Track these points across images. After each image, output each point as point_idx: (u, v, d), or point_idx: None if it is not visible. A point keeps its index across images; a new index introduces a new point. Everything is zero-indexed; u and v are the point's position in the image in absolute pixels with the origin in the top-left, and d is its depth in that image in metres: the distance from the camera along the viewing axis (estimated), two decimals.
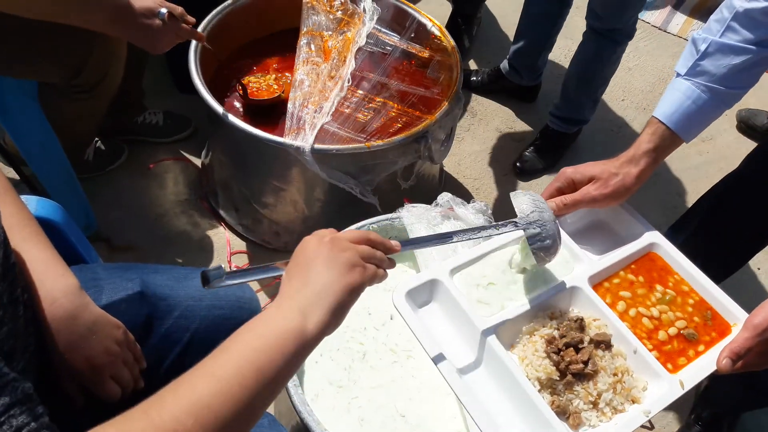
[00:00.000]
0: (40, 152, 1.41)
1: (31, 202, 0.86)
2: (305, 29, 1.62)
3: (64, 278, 0.73)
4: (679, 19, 2.68)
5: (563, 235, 0.94)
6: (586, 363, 0.80)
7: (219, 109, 1.38)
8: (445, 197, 1.24)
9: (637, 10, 1.67)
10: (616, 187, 0.90)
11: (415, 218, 1.21)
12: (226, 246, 1.64)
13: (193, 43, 1.46)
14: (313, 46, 1.62)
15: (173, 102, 1.90)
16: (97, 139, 1.70)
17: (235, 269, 0.59)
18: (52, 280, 0.72)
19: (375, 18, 1.66)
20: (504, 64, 2.07)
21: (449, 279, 0.89)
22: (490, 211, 1.18)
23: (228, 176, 1.63)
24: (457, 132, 1.98)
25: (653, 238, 0.96)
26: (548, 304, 0.89)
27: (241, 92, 1.52)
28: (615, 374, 0.82)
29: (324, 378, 1.02)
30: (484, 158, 1.98)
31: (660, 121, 0.91)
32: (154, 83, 1.88)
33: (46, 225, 0.84)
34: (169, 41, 1.17)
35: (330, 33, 1.65)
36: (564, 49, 2.34)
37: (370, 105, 1.56)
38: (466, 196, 1.84)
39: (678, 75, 0.93)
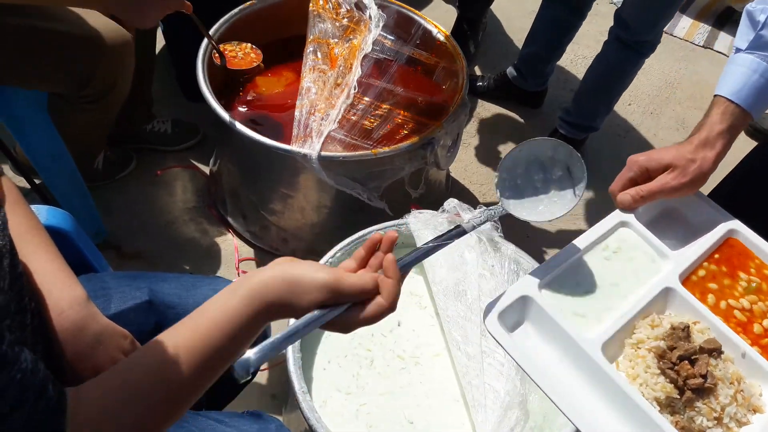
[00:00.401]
0: (50, 162, 1.42)
1: (42, 211, 0.87)
2: (312, 37, 1.63)
3: (71, 289, 0.74)
4: (686, 22, 2.67)
5: (644, 230, 0.88)
6: (704, 376, 0.74)
7: (226, 117, 1.38)
8: (451, 203, 1.24)
9: (667, 21, 1.66)
10: (695, 174, 0.84)
11: (421, 224, 1.22)
12: (234, 253, 1.65)
13: (201, 51, 1.47)
14: (319, 54, 1.63)
15: (181, 110, 1.91)
16: (106, 147, 1.72)
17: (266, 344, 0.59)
18: (60, 291, 0.73)
19: (381, 25, 1.67)
20: (510, 70, 2.07)
21: (539, 293, 0.81)
22: (497, 217, 1.17)
23: (236, 184, 1.64)
24: (463, 138, 1.99)
25: (731, 224, 0.91)
26: (645, 310, 0.83)
27: (218, 61, 1.47)
28: (732, 383, 0.77)
29: (332, 385, 1.02)
30: (490, 164, 1.98)
31: (728, 99, 0.86)
32: (162, 92, 1.90)
33: (56, 234, 0.85)
34: (158, 13, 1.13)
35: (336, 40, 1.66)
36: (570, 54, 2.33)
37: (377, 112, 1.57)
38: (473, 201, 1.84)
39: (738, 50, 0.88)
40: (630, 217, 0.89)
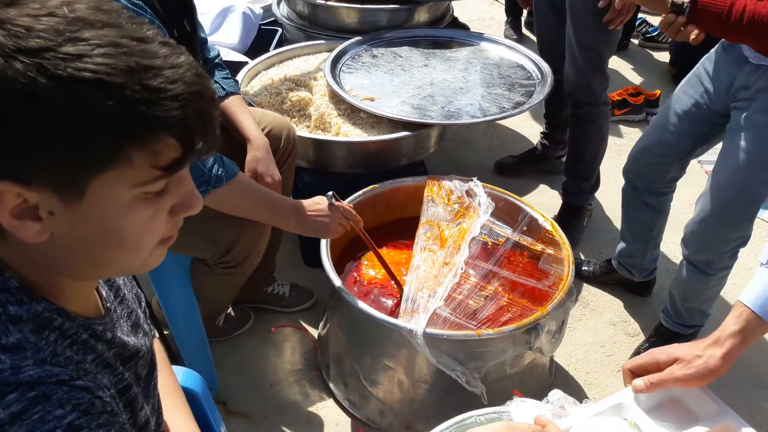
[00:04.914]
0: (183, 319, 1.58)
1: (179, 372, 0.98)
2: (424, 219, 1.78)
3: None
4: None
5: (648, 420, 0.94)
6: None
7: (341, 285, 1.50)
8: (556, 395, 1.21)
9: (740, 242, 1.65)
10: (699, 368, 0.92)
11: (524, 416, 1.19)
12: (333, 423, 1.67)
13: None
14: (430, 235, 1.76)
15: (299, 274, 2.08)
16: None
17: None
18: None
19: (489, 211, 1.79)
20: (614, 260, 2.08)
21: None
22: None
23: (341, 350, 1.71)
24: (568, 321, 1.96)
25: (729, 418, 0.94)
26: None
27: (397, 291, 1.63)
28: None
29: None
30: (596, 351, 1.92)
31: (744, 305, 0.94)
32: (284, 256, 2.08)
33: (188, 394, 0.94)
34: (337, 223, 1.41)
35: (447, 223, 1.79)
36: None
37: (482, 293, 1.62)
38: (577, 390, 1.77)
39: (762, 264, 0.98)
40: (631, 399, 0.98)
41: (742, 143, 1.50)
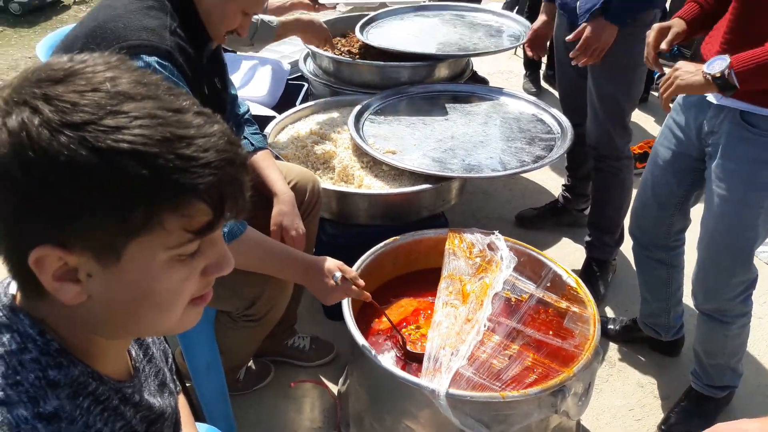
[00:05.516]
0: (205, 371, 1.58)
1: (202, 429, 0.97)
2: (446, 273, 1.77)
3: None
4: None
5: None
6: None
7: (362, 341, 1.49)
8: None
9: (745, 286, 1.61)
10: None
11: None
12: None
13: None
14: (452, 290, 1.74)
15: (319, 327, 2.07)
16: None
17: None
18: None
19: (512, 266, 1.78)
20: (639, 321, 2.03)
21: None
22: None
23: (362, 408, 1.67)
24: (595, 382, 1.91)
25: None
26: None
27: (400, 343, 1.63)
28: None
29: None
30: (625, 415, 1.86)
31: None
32: (305, 309, 2.08)
33: None
34: (339, 297, 1.43)
35: (469, 277, 1.78)
36: None
37: (506, 351, 1.59)
38: None
39: None
40: None
41: (720, 191, 1.50)
